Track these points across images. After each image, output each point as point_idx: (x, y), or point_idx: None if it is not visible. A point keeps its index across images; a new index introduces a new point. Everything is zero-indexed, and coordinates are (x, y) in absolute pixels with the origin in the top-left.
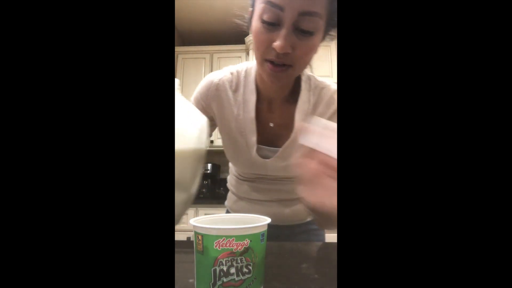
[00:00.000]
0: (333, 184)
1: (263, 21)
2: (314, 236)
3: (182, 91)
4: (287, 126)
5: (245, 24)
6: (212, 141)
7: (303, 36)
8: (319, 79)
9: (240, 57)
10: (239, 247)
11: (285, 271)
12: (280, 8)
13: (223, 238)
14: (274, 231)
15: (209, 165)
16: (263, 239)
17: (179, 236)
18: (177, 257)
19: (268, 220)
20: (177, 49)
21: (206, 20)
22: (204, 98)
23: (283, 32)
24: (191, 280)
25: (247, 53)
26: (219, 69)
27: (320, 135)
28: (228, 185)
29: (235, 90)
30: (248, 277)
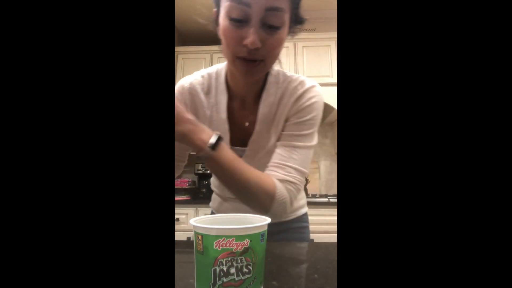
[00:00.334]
0: None
1: (232, 19)
2: (296, 234)
3: None
4: None
5: (209, 24)
6: None
7: (271, 31)
8: (290, 73)
9: None
10: (239, 247)
11: (285, 271)
12: (247, 5)
13: (223, 238)
14: None
15: None
16: (263, 239)
17: (179, 236)
18: (177, 257)
19: (268, 220)
20: (177, 49)
21: (207, 20)
22: (181, 103)
23: (252, 28)
24: (191, 280)
25: None
26: None
27: None
28: (212, 186)
29: (207, 93)
30: (248, 277)
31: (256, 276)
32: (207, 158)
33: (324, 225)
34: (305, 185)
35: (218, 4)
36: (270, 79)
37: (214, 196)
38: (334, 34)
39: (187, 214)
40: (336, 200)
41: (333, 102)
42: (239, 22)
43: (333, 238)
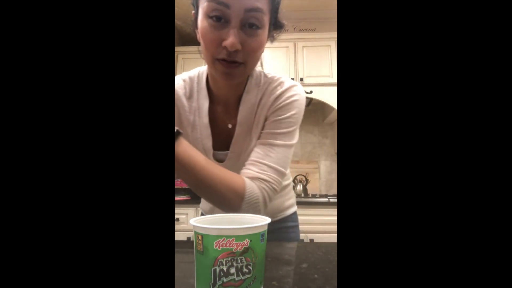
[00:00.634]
0: None
1: (210, 17)
2: (285, 233)
3: None
4: None
5: (186, 25)
6: None
7: (251, 31)
8: (272, 74)
9: None
10: (239, 247)
11: (285, 271)
12: (226, 5)
13: (223, 238)
14: None
15: None
16: (263, 239)
17: (179, 236)
18: (177, 257)
19: (268, 220)
20: (177, 49)
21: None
22: None
23: (232, 29)
24: (191, 280)
25: None
26: None
27: None
28: None
29: (189, 97)
30: (248, 277)
31: (256, 276)
32: None
33: (324, 225)
34: (305, 185)
35: (196, 6)
36: (251, 81)
37: None
38: (334, 34)
39: (187, 214)
40: (336, 200)
41: (333, 102)
42: (218, 22)
43: (333, 238)
